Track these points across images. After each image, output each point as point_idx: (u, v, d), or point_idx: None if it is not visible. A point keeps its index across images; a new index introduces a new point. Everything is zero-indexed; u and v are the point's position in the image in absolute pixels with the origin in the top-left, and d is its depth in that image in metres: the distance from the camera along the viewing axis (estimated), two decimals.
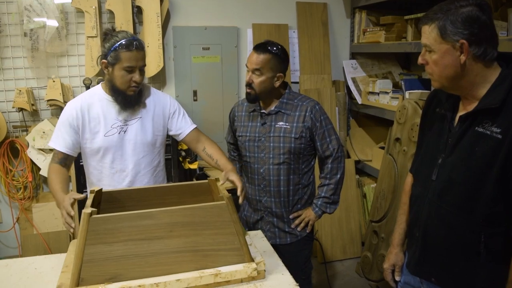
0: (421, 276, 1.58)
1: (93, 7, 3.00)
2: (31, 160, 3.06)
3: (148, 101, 2.06)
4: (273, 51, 2.01)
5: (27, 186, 3.12)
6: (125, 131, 2.00)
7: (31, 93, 3.04)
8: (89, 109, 1.98)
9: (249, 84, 2.04)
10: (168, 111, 2.10)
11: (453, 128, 1.43)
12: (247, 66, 2.05)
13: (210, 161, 2.10)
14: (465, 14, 1.26)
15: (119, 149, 2.00)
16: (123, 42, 1.87)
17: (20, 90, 2.98)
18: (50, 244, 3.11)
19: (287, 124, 2.05)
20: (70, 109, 1.97)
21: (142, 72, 1.94)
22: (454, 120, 1.44)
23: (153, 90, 2.12)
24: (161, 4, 3.17)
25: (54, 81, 3.00)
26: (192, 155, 3.28)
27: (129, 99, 1.96)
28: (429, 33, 1.33)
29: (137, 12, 3.20)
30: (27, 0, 2.92)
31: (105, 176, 2.03)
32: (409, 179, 1.72)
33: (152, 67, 3.21)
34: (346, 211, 3.54)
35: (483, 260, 1.38)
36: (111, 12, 3.10)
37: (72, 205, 1.71)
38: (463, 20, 1.26)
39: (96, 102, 1.99)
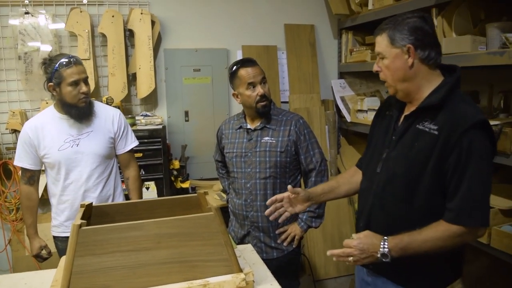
0: (362, 265, 1.65)
1: (86, 30, 3.08)
2: None
3: (99, 116, 2.25)
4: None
5: (19, 207, 3.12)
6: (77, 144, 2.17)
7: (24, 115, 3.08)
8: (43, 127, 2.17)
9: (263, 96, 2.09)
10: (113, 128, 2.28)
11: (397, 127, 1.57)
12: (250, 83, 2.08)
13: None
14: (410, 24, 1.45)
15: (73, 162, 2.18)
16: (62, 61, 2.06)
17: (13, 112, 3.02)
18: (42, 266, 3.09)
19: (272, 138, 2.10)
20: (26, 130, 2.19)
21: (87, 83, 2.14)
22: (400, 120, 1.57)
23: (103, 105, 2.35)
24: (152, 27, 3.26)
25: (47, 103, 3.04)
26: (184, 174, 3.31)
27: (82, 111, 2.15)
28: (381, 42, 1.50)
29: (129, 35, 3.29)
30: (22, 24, 2.99)
31: (62, 187, 2.21)
32: (352, 169, 1.85)
33: (144, 88, 3.27)
34: (338, 228, 3.55)
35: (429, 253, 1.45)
36: (103, 36, 3.18)
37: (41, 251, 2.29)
38: (409, 28, 1.44)
39: (49, 120, 2.18)
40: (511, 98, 2.47)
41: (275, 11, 3.69)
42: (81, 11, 3.10)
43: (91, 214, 1.74)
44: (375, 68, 1.55)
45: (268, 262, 2.09)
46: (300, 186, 2.23)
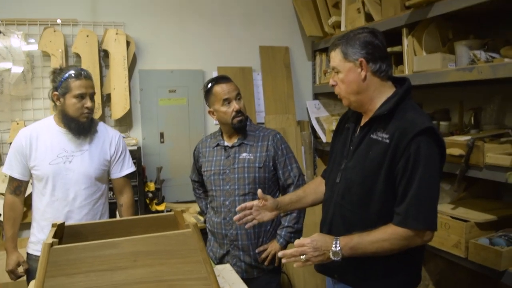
0: (325, 274, 1.73)
1: (60, 50, 3.04)
2: None
3: (98, 136, 2.20)
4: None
5: None
6: (70, 161, 2.11)
7: None
8: (38, 137, 2.11)
9: (239, 111, 2.10)
10: (110, 151, 2.23)
11: (354, 138, 1.63)
12: (225, 99, 2.09)
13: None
14: (361, 39, 1.54)
15: (62, 178, 2.10)
16: (72, 73, 2.05)
17: None
18: None
19: (250, 154, 2.09)
20: (20, 137, 2.12)
21: (92, 99, 2.11)
22: (356, 131, 1.64)
23: (105, 126, 2.29)
24: (127, 48, 3.24)
25: (18, 124, 2.97)
26: (159, 197, 3.25)
27: (82, 126, 2.10)
28: (335, 57, 1.59)
29: (104, 55, 3.26)
30: None
31: (46, 203, 2.13)
32: (317, 179, 1.93)
33: (118, 109, 3.22)
34: None
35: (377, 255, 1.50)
36: (77, 56, 3.14)
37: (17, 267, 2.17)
38: (360, 43, 1.54)
39: (46, 131, 2.13)
40: (480, 115, 2.54)
41: (250, 33, 3.73)
42: (54, 31, 3.06)
43: (63, 234, 1.68)
44: (331, 82, 1.63)
45: (248, 281, 2.05)
46: None
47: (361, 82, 1.54)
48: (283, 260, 1.52)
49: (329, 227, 1.67)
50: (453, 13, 2.22)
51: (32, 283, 1.69)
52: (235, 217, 1.76)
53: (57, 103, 2.10)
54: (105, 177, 2.25)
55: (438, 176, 1.48)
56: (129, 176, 2.35)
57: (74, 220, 2.10)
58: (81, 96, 2.06)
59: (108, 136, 2.24)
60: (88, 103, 2.08)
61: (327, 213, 1.70)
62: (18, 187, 2.17)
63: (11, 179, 2.16)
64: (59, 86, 2.05)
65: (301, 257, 1.48)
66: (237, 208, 1.74)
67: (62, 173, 2.10)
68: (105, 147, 2.21)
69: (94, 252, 1.43)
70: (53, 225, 1.60)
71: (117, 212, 2.40)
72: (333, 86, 1.63)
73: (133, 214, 2.35)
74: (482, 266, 1.99)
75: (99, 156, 2.18)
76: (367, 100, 1.57)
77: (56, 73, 2.10)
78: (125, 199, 2.33)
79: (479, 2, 2.01)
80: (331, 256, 1.47)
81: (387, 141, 1.49)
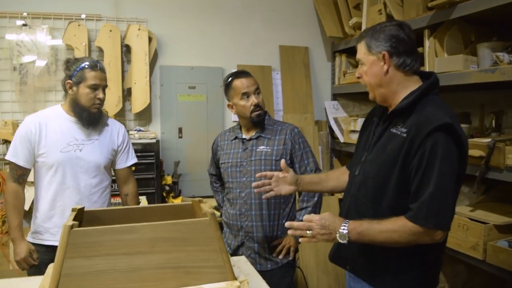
0: (338, 264, 1.72)
1: (83, 44, 3.10)
2: None
3: (106, 127, 2.25)
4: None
5: (5, 220, 3.04)
6: (80, 150, 2.13)
7: (16, 126, 3.05)
8: (47, 124, 2.11)
9: (257, 105, 2.12)
10: (118, 141, 2.28)
11: (376, 131, 1.62)
12: (244, 93, 2.12)
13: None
14: (386, 32, 1.52)
15: (73, 167, 2.12)
16: (88, 63, 2.09)
17: (5, 122, 2.99)
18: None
19: (267, 147, 2.11)
20: (29, 124, 2.11)
21: (104, 91, 2.15)
22: (380, 125, 1.62)
23: (111, 119, 2.34)
24: (149, 44, 3.29)
25: None
26: (176, 190, 3.28)
27: (93, 116, 2.13)
28: (360, 49, 1.58)
29: (126, 51, 3.31)
30: (19, 36, 3.00)
31: (56, 191, 2.12)
32: (342, 168, 1.91)
33: (138, 103, 3.27)
34: (331, 246, 3.50)
35: (389, 250, 1.49)
36: (100, 50, 3.20)
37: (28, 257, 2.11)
38: (385, 36, 1.52)
39: (55, 119, 2.14)
40: (502, 118, 2.51)
41: (270, 32, 3.76)
42: (79, 25, 3.13)
43: (83, 219, 1.71)
44: (356, 74, 1.63)
45: (262, 274, 2.05)
46: (294, 200, 2.22)
47: (383, 76, 1.52)
48: (290, 232, 1.52)
49: (345, 218, 1.66)
50: (475, 15, 2.20)
51: (50, 266, 1.72)
52: (254, 184, 1.76)
53: (70, 91, 2.12)
54: (109, 168, 2.29)
55: (455, 175, 1.43)
56: (132, 167, 2.40)
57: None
58: (94, 87, 2.09)
59: (115, 127, 2.30)
60: (101, 95, 2.12)
61: (344, 205, 1.70)
62: (21, 175, 2.14)
63: (15, 167, 2.12)
64: (74, 75, 2.08)
65: (307, 232, 1.48)
66: (257, 175, 1.75)
67: (73, 161, 2.11)
68: (113, 137, 2.26)
69: (113, 236, 1.45)
70: (73, 210, 1.62)
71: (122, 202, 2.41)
72: (358, 78, 1.62)
73: (138, 203, 2.40)
74: (500, 269, 1.97)
75: (108, 146, 2.23)
76: (390, 94, 1.55)
77: (71, 62, 2.13)
78: (131, 188, 2.36)
79: (502, 4, 2.00)
80: (338, 238, 1.46)
81: (404, 135, 1.46)
